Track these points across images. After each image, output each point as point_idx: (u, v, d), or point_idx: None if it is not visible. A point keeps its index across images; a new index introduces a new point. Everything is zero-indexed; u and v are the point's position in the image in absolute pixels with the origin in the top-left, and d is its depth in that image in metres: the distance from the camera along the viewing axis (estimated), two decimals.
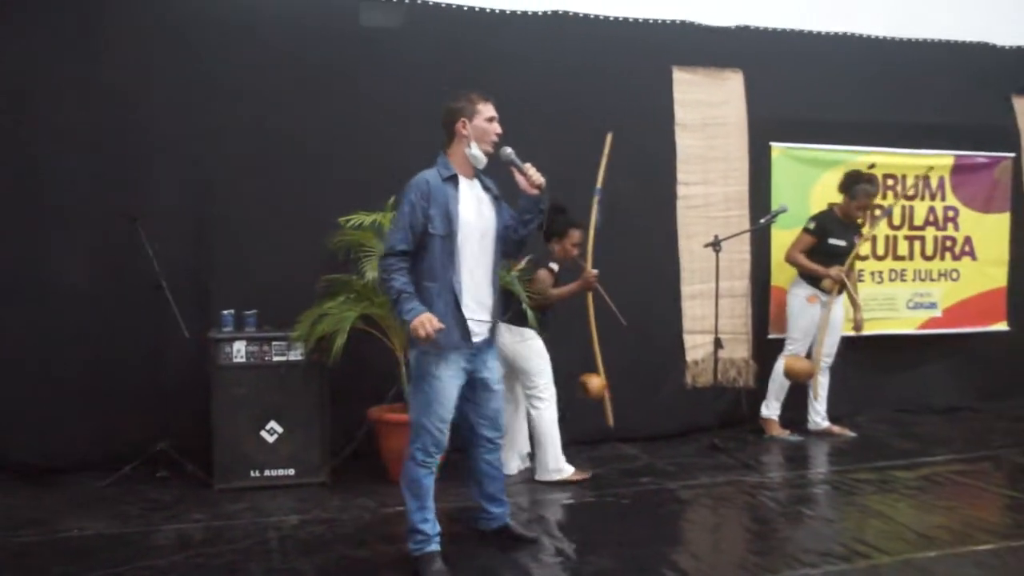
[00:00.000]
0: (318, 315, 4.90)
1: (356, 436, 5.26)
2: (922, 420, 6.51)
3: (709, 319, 6.06)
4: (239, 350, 4.93)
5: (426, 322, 3.52)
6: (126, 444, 5.06)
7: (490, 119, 3.78)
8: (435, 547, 3.71)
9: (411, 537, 3.73)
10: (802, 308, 6.07)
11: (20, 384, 5.12)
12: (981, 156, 6.87)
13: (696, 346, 6.24)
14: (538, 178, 3.73)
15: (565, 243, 5.07)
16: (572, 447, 5.67)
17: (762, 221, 6.09)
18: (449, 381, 3.70)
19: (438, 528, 3.76)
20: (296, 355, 4.96)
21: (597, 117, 5.91)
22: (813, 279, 6.01)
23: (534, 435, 5.08)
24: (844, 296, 6.10)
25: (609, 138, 5.13)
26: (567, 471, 5.05)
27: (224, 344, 4.91)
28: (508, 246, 3.90)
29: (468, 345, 3.72)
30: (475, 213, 3.75)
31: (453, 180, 3.73)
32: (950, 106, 6.78)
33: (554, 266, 5.08)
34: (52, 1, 5.20)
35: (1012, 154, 6.96)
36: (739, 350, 6.34)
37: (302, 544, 4.04)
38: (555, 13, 5.96)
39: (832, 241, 5.98)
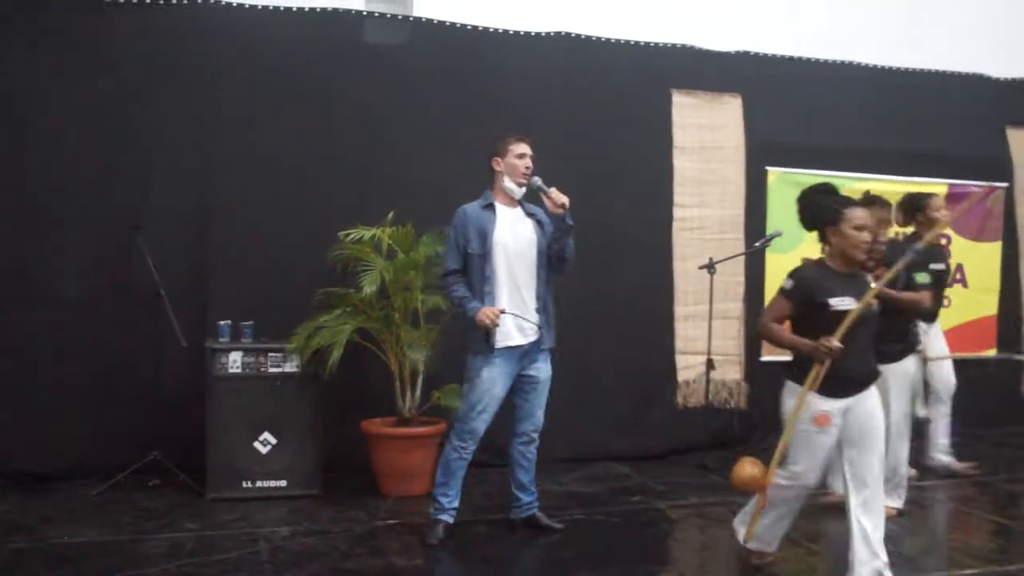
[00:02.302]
0: (315, 327, 4.93)
1: None
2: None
3: (702, 340, 6.11)
4: (235, 360, 4.95)
5: (489, 313, 4.12)
6: (119, 452, 5.06)
7: (520, 155, 4.29)
8: (445, 518, 4.30)
9: (432, 504, 4.35)
10: None
11: (13, 391, 5.13)
12: (975, 185, 6.94)
13: (688, 367, 6.27)
14: (560, 198, 4.15)
15: (845, 230, 3.59)
16: (562, 464, 5.69)
17: (757, 244, 6.12)
18: (494, 380, 4.22)
19: (455, 505, 4.32)
20: (292, 367, 4.99)
21: (596, 138, 5.99)
22: None
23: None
24: None
25: None
26: None
27: (220, 354, 4.94)
28: (553, 263, 4.35)
29: (490, 349, 4.18)
30: (511, 234, 4.25)
31: (491, 208, 4.29)
32: (945, 135, 6.84)
33: (787, 284, 3.69)
34: (55, 11, 5.25)
35: (1005, 184, 7.04)
36: (731, 372, 6.38)
37: (293, 555, 4.06)
38: (558, 34, 6.03)
39: None
